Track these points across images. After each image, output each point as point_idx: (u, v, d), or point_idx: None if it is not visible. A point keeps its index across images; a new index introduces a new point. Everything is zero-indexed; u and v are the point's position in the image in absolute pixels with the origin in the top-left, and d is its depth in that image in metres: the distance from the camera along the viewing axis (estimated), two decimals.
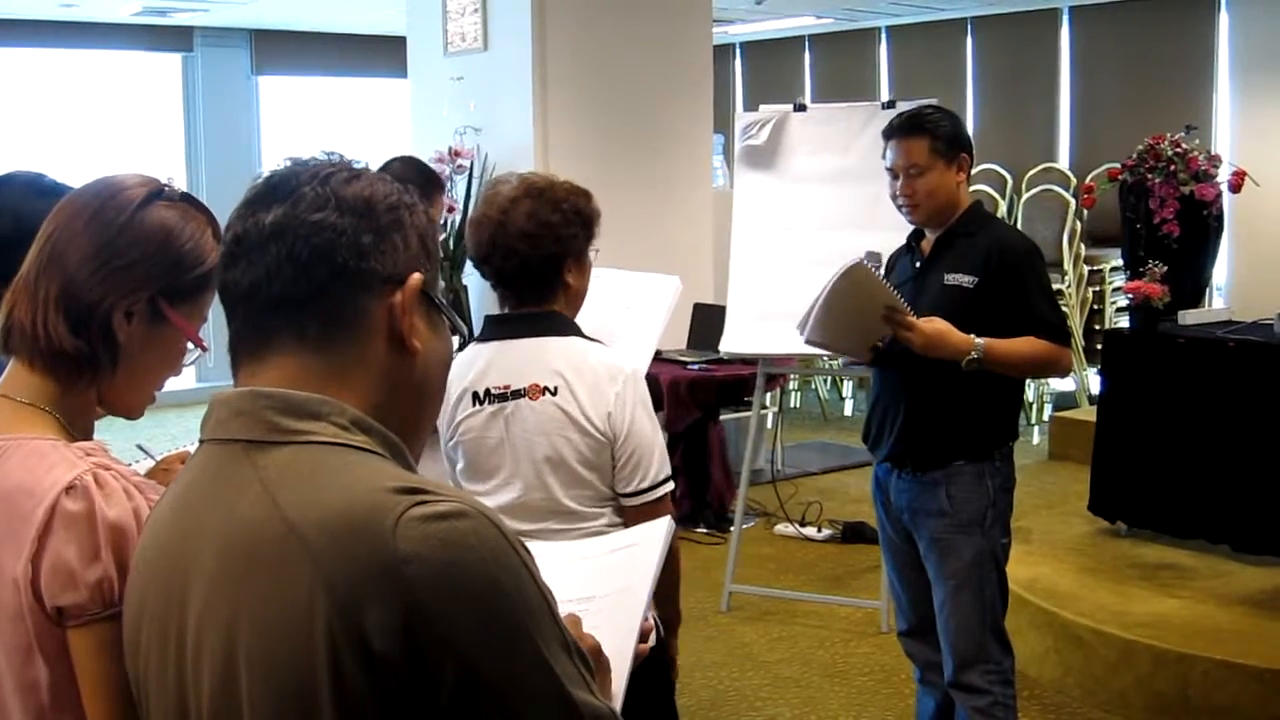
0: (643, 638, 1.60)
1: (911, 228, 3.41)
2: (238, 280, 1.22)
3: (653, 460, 2.58)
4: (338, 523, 1.10)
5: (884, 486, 3.44)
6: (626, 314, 3.31)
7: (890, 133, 3.33)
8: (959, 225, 3.30)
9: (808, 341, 3.44)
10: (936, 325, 3.15)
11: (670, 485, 2.62)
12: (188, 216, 1.56)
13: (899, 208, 3.34)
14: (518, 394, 2.59)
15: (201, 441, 1.25)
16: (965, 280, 3.22)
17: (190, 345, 1.58)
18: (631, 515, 2.59)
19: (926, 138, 3.26)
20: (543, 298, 2.62)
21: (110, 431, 1.58)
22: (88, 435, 1.55)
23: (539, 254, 2.56)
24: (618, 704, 1.44)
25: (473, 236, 2.63)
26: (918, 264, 3.36)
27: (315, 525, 1.11)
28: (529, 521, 2.59)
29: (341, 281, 1.20)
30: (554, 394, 2.57)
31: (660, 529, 1.84)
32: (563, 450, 2.57)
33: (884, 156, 3.34)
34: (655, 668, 2.52)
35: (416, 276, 1.23)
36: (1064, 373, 3.40)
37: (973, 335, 3.14)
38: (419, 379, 1.26)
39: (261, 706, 1.12)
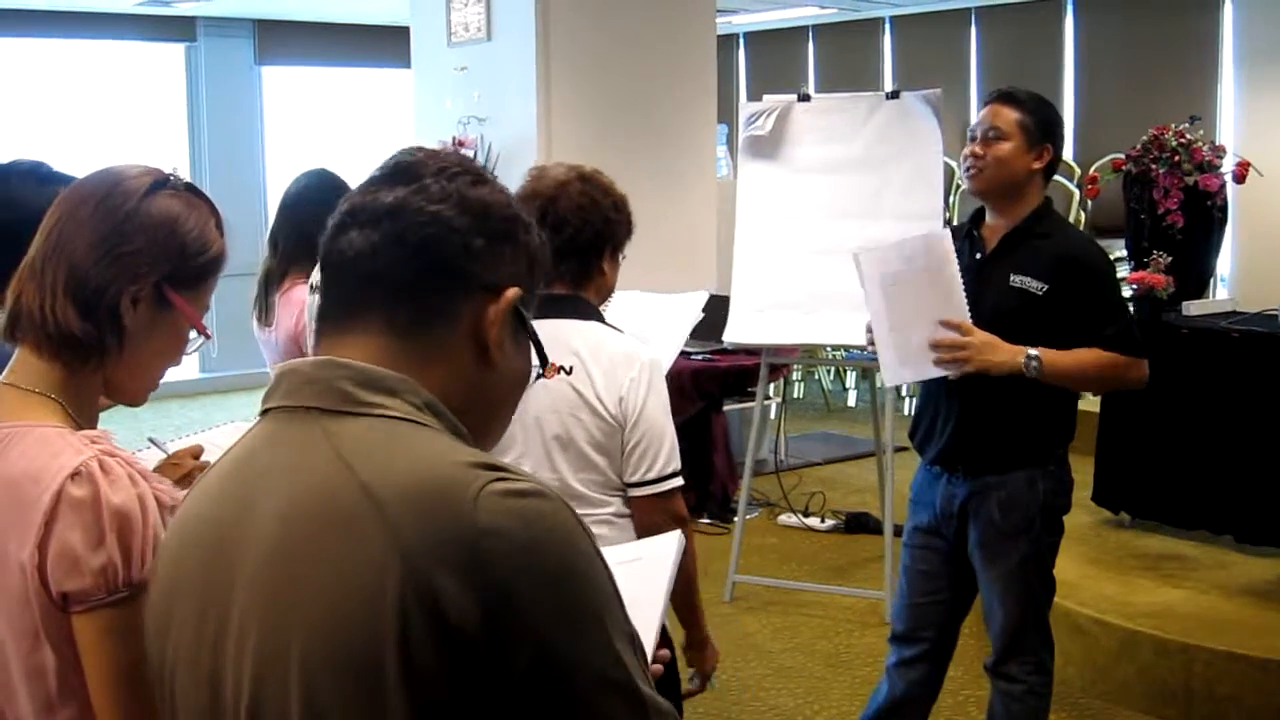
0: (656, 661, 1.57)
1: (964, 216, 3.34)
2: (343, 249, 1.22)
3: (662, 450, 2.57)
4: (417, 491, 1.09)
5: (928, 491, 3.34)
6: (655, 323, 3.36)
7: (987, 99, 3.28)
8: (1030, 223, 3.16)
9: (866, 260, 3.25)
10: (986, 335, 3.03)
11: (680, 480, 2.60)
12: (192, 205, 1.58)
13: (964, 173, 3.24)
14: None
15: (264, 413, 1.24)
16: (1034, 285, 3.09)
17: (194, 333, 1.59)
18: (638, 506, 2.58)
19: (1019, 110, 3.18)
20: (578, 279, 2.64)
21: (116, 423, 1.59)
22: (93, 424, 1.55)
23: (588, 230, 2.60)
24: None
25: None
26: (978, 254, 3.21)
27: (393, 491, 1.09)
28: None
29: (442, 276, 1.21)
30: (569, 373, 2.57)
31: (670, 544, 1.81)
32: (573, 430, 2.56)
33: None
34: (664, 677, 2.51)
35: (514, 290, 1.23)
36: (1141, 381, 3.18)
37: (1020, 347, 3.03)
38: (492, 393, 1.26)
39: (318, 676, 1.09)
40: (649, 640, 1.59)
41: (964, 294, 3.08)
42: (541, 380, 2.57)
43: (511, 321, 1.25)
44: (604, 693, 1.11)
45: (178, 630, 1.22)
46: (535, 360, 1.31)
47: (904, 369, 3.25)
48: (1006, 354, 3.03)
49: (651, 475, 2.57)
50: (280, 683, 1.11)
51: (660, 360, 2.67)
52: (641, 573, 1.77)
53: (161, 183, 1.56)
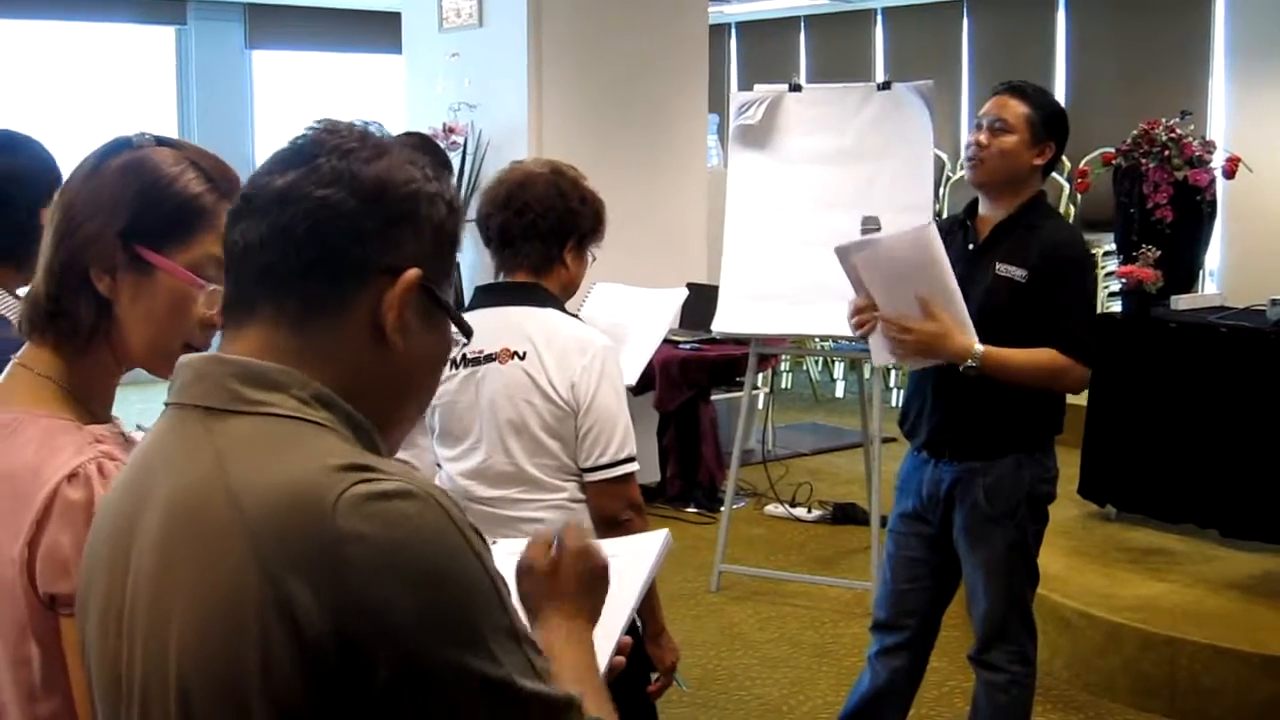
0: (619, 651, 1.55)
1: (955, 208, 3.34)
2: (235, 240, 1.18)
3: (614, 436, 2.58)
4: (278, 496, 1.06)
5: (915, 477, 3.36)
6: (633, 321, 3.36)
7: (995, 90, 3.27)
8: (1020, 215, 3.19)
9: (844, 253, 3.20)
10: (933, 328, 3.05)
11: (634, 465, 2.62)
12: (151, 157, 1.52)
13: (965, 161, 3.25)
14: (489, 358, 2.63)
15: (166, 405, 1.22)
16: (1017, 274, 3.12)
17: (212, 288, 1.49)
18: (593, 491, 2.60)
19: (1026, 104, 3.18)
20: (539, 267, 2.65)
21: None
22: (106, 408, 1.54)
23: (550, 216, 2.62)
24: None
25: (487, 196, 2.68)
26: (970, 245, 3.24)
27: (255, 498, 1.07)
28: (492, 487, 2.62)
29: (330, 263, 1.15)
30: (522, 359, 2.59)
31: (656, 542, 1.79)
32: (525, 415, 2.58)
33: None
34: (632, 670, 2.51)
35: (414, 272, 1.17)
36: (1075, 387, 3.20)
37: (973, 342, 3.04)
38: (397, 373, 1.21)
39: (192, 677, 1.08)
40: (614, 630, 1.57)
41: (954, 283, 3.08)
42: (495, 365, 2.61)
43: (420, 301, 1.20)
44: (479, 695, 1.08)
45: (90, 624, 1.22)
46: (458, 335, 1.27)
47: (889, 354, 3.25)
48: (954, 348, 3.05)
49: (605, 460, 2.58)
50: (162, 684, 1.10)
51: (614, 348, 2.68)
52: (624, 567, 1.75)
53: (123, 144, 1.52)
